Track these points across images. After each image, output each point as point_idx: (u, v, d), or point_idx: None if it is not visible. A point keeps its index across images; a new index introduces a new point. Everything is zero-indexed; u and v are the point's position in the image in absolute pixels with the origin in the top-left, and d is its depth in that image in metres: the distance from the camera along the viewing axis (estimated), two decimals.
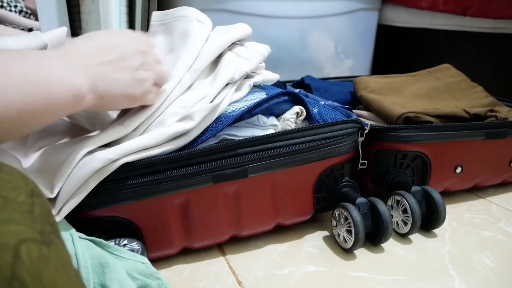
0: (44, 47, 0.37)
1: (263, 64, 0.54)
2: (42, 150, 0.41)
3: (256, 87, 0.52)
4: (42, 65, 0.30)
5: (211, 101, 0.44)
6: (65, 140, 0.43)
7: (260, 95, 0.49)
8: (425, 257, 0.49)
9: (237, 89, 0.48)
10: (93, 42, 0.36)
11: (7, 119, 0.27)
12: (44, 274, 0.17)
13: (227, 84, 0.46)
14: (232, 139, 0.46)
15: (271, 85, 0.56)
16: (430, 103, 0.67)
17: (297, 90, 0.72)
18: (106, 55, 0.36)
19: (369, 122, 0.58)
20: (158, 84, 0.42)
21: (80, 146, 0.38)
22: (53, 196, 0.36)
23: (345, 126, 0.50)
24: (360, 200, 0.49)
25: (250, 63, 0.49)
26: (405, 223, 0.52)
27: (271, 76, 0.53)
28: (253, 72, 0.51)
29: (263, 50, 0.52)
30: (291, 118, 0.49)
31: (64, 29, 0.40)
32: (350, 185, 0.53)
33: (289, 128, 0.49)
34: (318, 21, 1.02)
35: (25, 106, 0.28)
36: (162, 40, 0.50)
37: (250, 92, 0.49)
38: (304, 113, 0.50)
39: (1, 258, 0.16)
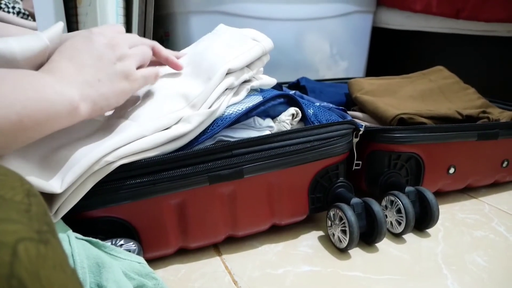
0: (46, 48, 0.37)
1: (261, 68, 0.54)
2: (54, 141, 0.41)
3: (253, 89, 0.53)
4: (35, 78, 0.32)
5: (210, 106, 0.44)
6: (75, 133, 0.43)
7: (257, 98, 0.50)
8: (418, 256, 0.49)
9: (235, 94, 0.48)
10: (74, 56, 0.37)
11: (8, 126, 0.28)
12: (42, 272, 0.17)
13: (226, 89, 0.47)
14: (228, 140, 0.46)
15: None
16: (424, 105, 0.68)
17: (292, 92, 0.73)
18: (84, 62, 0.37)
19: (363, 123, 0.59)
20: (142, 65, 0.43)
21: (98, 148, 0.38)
22: (60, 191, 0.36)
23: (340, 127, 0.50)
24: (355, 200, 0.49)
25: (251, 71, 0.49)
26: (399, 223, 0.52)
27: (269, 81, 0.54)
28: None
29: (263, 57, 0.52)
30: (287, 119, 0.50)
31: (61, 24, 0.40)
32: (345, 185, 0.53)
33: (285, 129, 0.49)
34: (313, 24, 1.03)
35: (24, 110, 0.29)
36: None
37: (246, 95, 0.50)
38: (300, 115, 0.51)
39: None
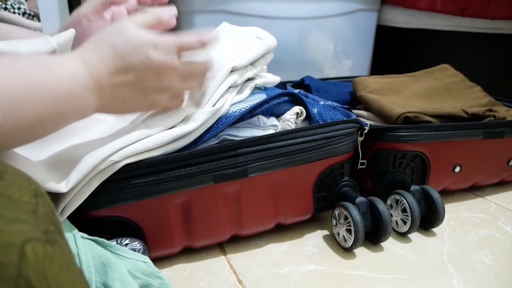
0: (54, 52, 0.37)
1: (265, 66, 0.54)
2: (60, 141, 0.41)
3: (257, 88, 0.52)
4: (65, 84, 0.31)
5: (214, 105, 0.44)
6: (81, 133, 0.43)
7: (261, 96, 0.50)
8: (424, 255, 0.49)
9: (238, 92, 0.48)
10: (108, 50, 0.34)
11: (26, 127, 0.29)
12: (49, 272, 0.17)
13: (229, 87, 0.47)
14: (233, 139, 0.46)
15: None
16: (429, 103, 0.67)
17: (297, 91, 0.73)
18: (121, 75, 0.35)
19: (368, 122, 0.59)
20: (177, 97, 0.41)
21: (103, 147, 0.38)
22: (66, 190, 0.36)
23: (344, 126, 0.50)
24: (360, 199, 0.49)
25: (254, 68, 0.49)
26: (404, 222, 0.52)
27: (272, 79, 0.54)
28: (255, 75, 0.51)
29: (267, 55, 0.52)
30: (291, 118, 0.50)
31: (72, 32, 0.40)
32: (349, 184, 0.53)
33: (289, 128, 0.49)
34: (317, 22, 1.03)
35: (40, 116, 0.30)
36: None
37: (251, 94, 0.50)
38: (304, 113, 0.50)
39: (7, 256, 0.16)
